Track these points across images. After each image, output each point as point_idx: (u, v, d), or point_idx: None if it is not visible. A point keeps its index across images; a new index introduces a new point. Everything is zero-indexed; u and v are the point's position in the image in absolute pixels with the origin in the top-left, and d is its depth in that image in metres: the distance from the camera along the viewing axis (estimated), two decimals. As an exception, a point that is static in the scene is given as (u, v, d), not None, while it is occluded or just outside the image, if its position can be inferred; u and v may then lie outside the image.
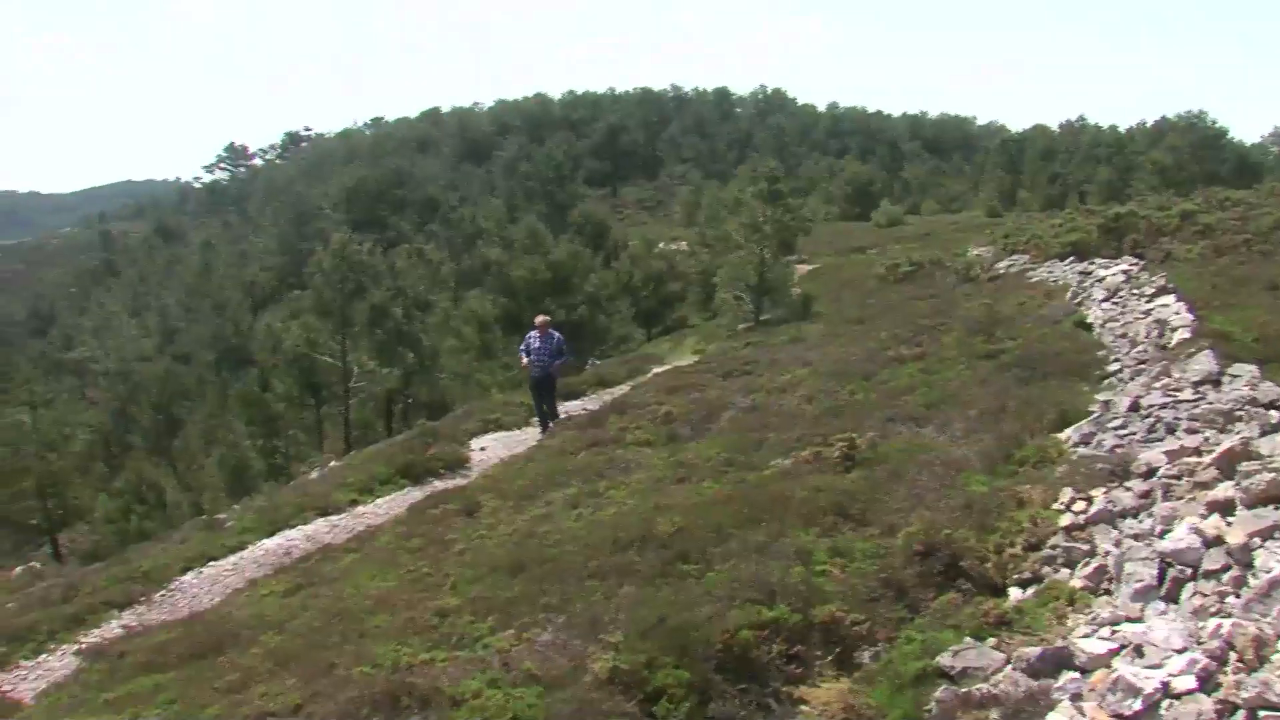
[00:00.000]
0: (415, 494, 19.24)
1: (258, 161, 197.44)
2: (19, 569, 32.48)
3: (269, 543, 17.46)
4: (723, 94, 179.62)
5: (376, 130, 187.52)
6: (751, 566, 9.73)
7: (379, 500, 19.41)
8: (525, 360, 23.00)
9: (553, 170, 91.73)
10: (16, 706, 12.14)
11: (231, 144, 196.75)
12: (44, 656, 14.01)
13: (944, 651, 7.82)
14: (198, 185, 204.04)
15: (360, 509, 18.96)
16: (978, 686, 7.06)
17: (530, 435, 23.35)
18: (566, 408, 26.52)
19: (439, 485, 19.78)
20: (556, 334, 23.22)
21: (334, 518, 18.56)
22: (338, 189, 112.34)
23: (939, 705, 7.07)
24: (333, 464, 26.85)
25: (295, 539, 17.43)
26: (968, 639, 7.98)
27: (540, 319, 23.63)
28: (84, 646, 13.94)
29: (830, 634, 8.80)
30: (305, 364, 45.18)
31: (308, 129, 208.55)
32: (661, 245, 67.33)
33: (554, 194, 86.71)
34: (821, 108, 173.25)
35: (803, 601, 8.95)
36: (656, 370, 30.85)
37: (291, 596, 13.33)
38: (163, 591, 15.98)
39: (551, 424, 22.95)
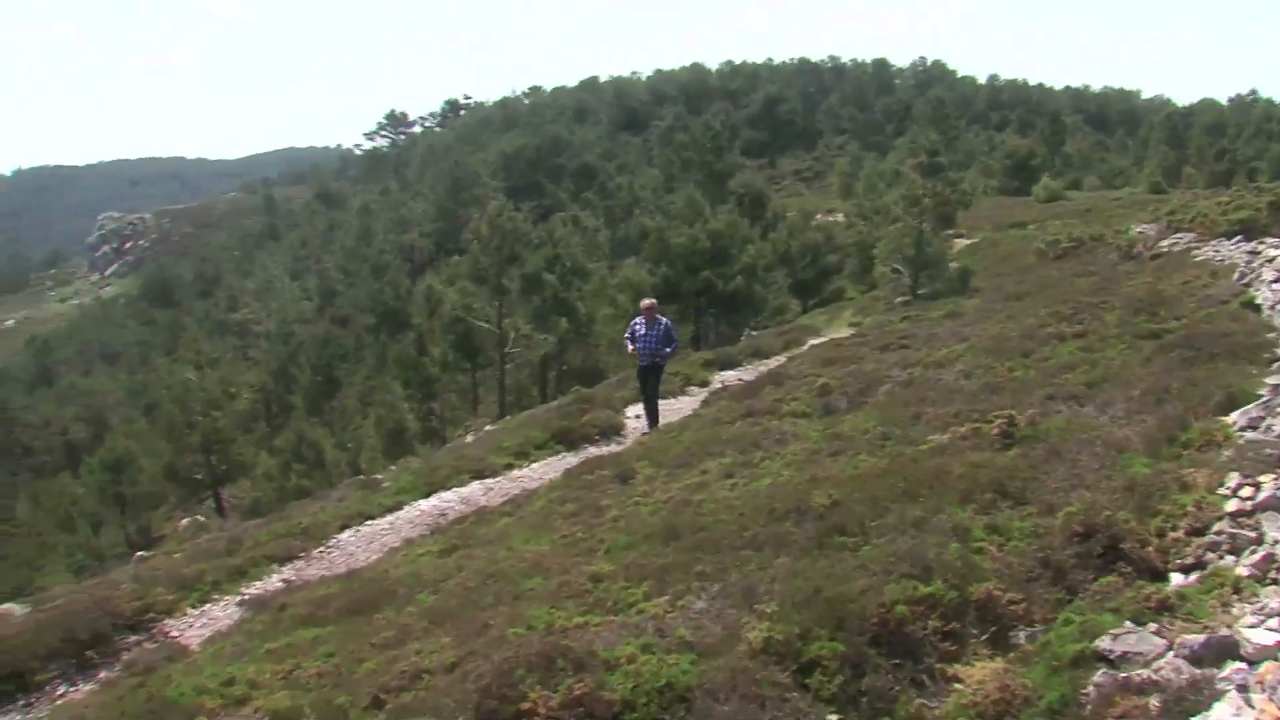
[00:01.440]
0: (570, 459, 19.45)
1: (417, 129, 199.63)
2: (185, 521, 33.62)
3: (425, 503, 17.79)
4: (881, 65, 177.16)
5: (534, 99, 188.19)
6: (908, 541, 9.64)
7: (534, 465, 19.70)
8: (631, 348, 21.54)
9: (710, 140, 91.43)
10: (184, 651, 12.54)
11: (392, 112, 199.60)
12: (208, 606, 14.51)
13: (1103, 635, 7.66)
14: (358, 152, 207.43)
15: (515, 473, 19.25)
16: (1138, 672, 6.93)
17: (684, 405, 23.37)
18: (722, 377, 26.53)
19: (594, 451, 20.00)
20: (664, 320, 21.43)
21: (489, 481, 18.87)
22: (496, 156, 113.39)
23: (1097, 689, 6.94)
24: (488, 427, 27.22)
25: (451, 501, 17.74)
26: (1128, 623, 7.80)
27: (645, 303, 21.82)
28: (246, 598, 14.40)
29: (986, 612, 8.67)
30: (462, 328, 45.80)
31: (467, 97, 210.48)
32: (819, 217, 67.02)
33: (711, 164, 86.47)
34: (981, 80, 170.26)
35: (959, 578, 8.85)
36: (813, 342, 30.72)
37: (447, 557, 13.55)
38: (321, 548, 16.41)
39: (652, 426, 21.42)
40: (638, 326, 21.35)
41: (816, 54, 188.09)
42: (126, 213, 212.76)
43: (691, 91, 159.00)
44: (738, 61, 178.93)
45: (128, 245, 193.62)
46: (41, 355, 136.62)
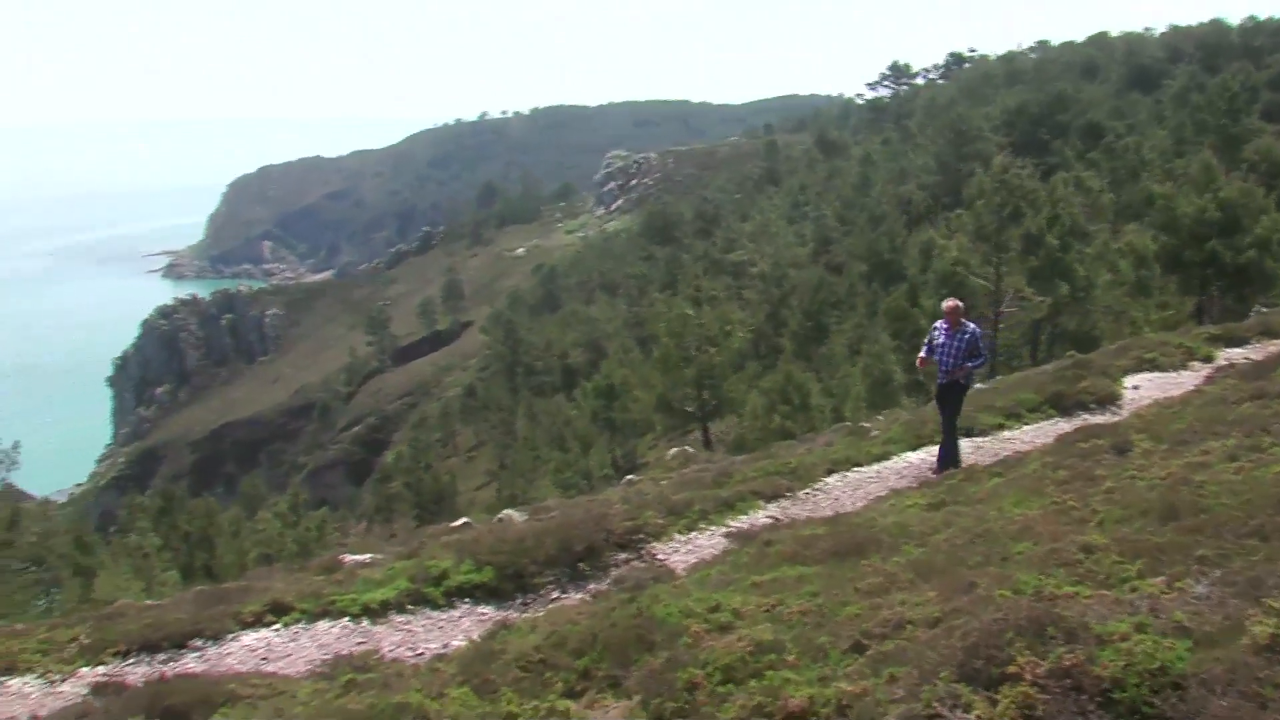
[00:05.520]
0: (1063, 425, 18.92)
1: (920, 81, 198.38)
2: (674, 450, 34.82)
3: (913, 456, 17.79)
4: None
5: (1040, 54, 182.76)
6: None
7: (1025, 427, 19.33)
8: (922, 355, 18.01)
9: (1226, 102, 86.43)
10: (670, 574, 13.05)
11: (895, 63, 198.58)
12: (694, 534, 15.01)
13: None
14: (859, 102, 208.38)
15: (1005, 434, 18.95)
16: None
17: (1186, 379, 22.34)
18: (1228, 354, 25.12)
19: (1088, 419, 19.37)
20: (971, 326, 17.48)
21: (978, 439, 18.64)
22: (999, 111, 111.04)
23: None
24: (978, 386, 26.89)
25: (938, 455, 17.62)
26: None
27: (948, 304, 17.84)
28: (733, 530, 14.81)
29: None
30: (955, 283, 45.27)
31: (971, 50, 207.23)
32: (1349, 188, 62.54)
33: (1226, 127, 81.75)
34: None
35: None
36: (1333, 323, 28.76)
37: (934, 511, 13.50)
38: (807, 489, 16.64)
39: (944, 460, 17.40)
40: (936, 333, 17.69)
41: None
42: (633, 152, 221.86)
43: (1209, 49, 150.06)
44: (1262, 17, 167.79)
45: (632, 183, 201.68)
46: (547, 282, 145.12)
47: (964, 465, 16.85)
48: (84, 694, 11.53)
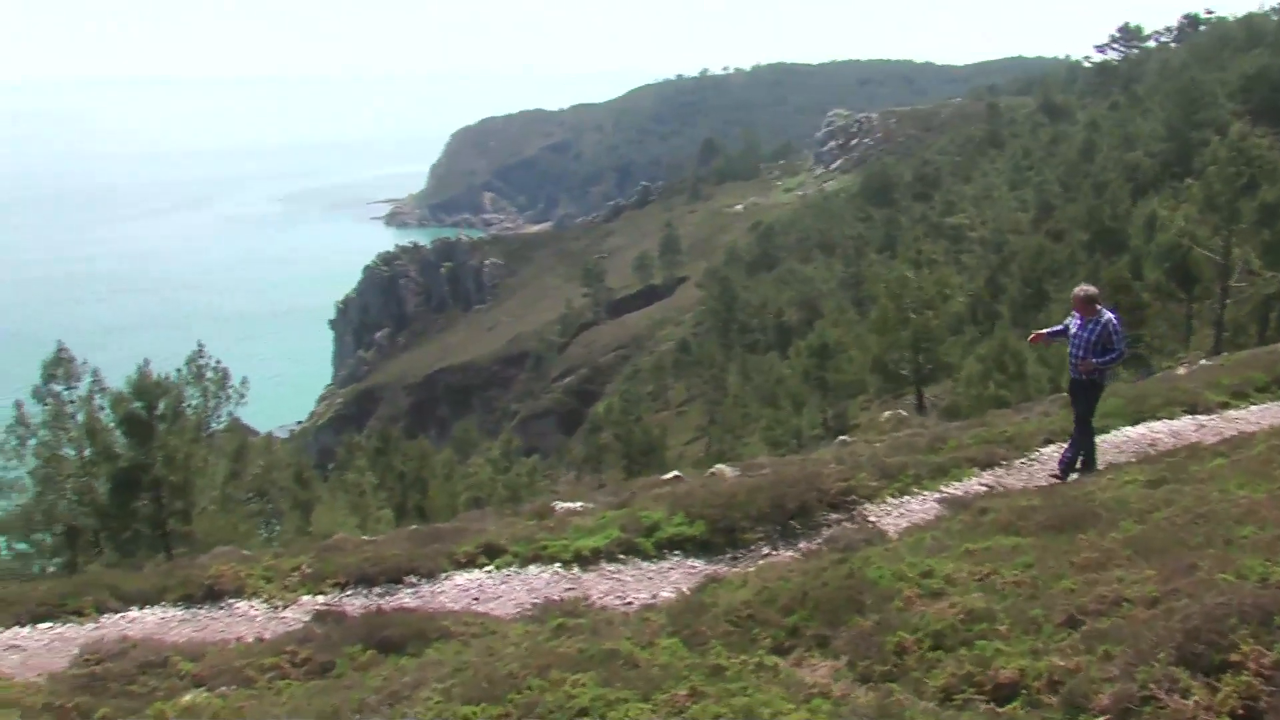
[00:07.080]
0: (1292, 407, 18.38)
1: (1151, 43, 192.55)
2: (888, 414, 34.74)
3: (1132, 431, 17.38)
4: None
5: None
6: None
7: (1252, 407, 18.71)
8: (1040, 332, 16.96)
9: None
10: (882, 537, 13.05)
11: (1126, 24, 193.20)
12: (907, 498, 15.01)
13: None
14: (1087, 64, 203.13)
15: (1231, 413, 18.37)
16: None
17: None
18: None
19: (1320, 402, 18.76)
20: (1108, 314, 15.19)
21: (1202, 417, 18.13)
22: (1236, 76, 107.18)
23: None
24: (1202, 362, 26.17)
25: (1160, 432, 17.25)
26: None
27: (1080, 291, 15.53)
28: (946, 496, 14.72)
29: None
30: (1180, 255, 44.02)
31: (1209, 12, 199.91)
32: None
33: None
34: None
35: None
36: None
37: (1154, 489, 13.15)
38: (1022, 459, 16.45)
39: (1079, 462, 15.59)
40: (1071, 323, 15.58)
41: None
42: (854, 111, 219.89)
43: None
44: None
45: (853, 142, 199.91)
46: (765, 240, 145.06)
47: (1100, 467, 15.37)
48: (305, 620, 12.11)
